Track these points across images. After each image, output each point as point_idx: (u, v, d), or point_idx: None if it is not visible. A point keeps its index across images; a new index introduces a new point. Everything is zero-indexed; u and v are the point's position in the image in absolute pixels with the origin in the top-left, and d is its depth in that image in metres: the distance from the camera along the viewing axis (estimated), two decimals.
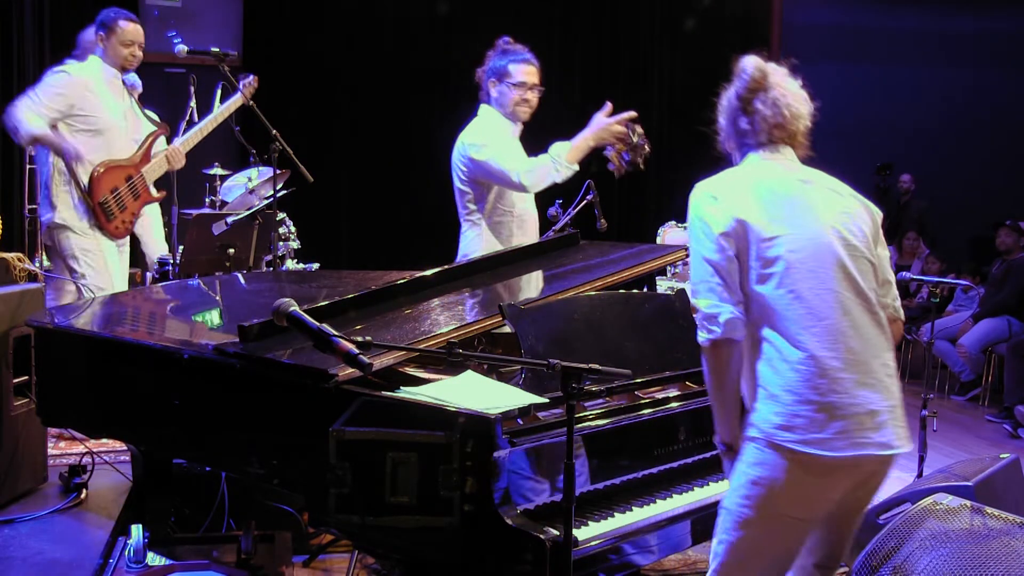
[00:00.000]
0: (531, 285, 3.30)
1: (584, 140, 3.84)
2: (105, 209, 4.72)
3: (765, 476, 2.11)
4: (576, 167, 3.88)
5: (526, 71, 3.99)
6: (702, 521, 2.48)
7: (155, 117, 5.22)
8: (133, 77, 5.28)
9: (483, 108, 4.06)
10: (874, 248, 2.26)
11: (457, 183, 4.04)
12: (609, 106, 3.87)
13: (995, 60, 11.10)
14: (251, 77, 5.18)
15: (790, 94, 2.32)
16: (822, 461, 2.06)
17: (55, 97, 4.63)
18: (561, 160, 3.84)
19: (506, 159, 3.84)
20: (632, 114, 3.86)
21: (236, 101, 5.12)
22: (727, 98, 2.35)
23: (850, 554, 2.66)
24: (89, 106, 4.72)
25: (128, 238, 4.99)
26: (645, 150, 3.84)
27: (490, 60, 4.03)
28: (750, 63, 2.32)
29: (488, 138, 3.91)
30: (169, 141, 5.09)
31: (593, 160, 4.05)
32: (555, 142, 3.92)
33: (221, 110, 5.15)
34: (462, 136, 4.00)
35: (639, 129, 3.84)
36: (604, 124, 3.83)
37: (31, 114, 4.58)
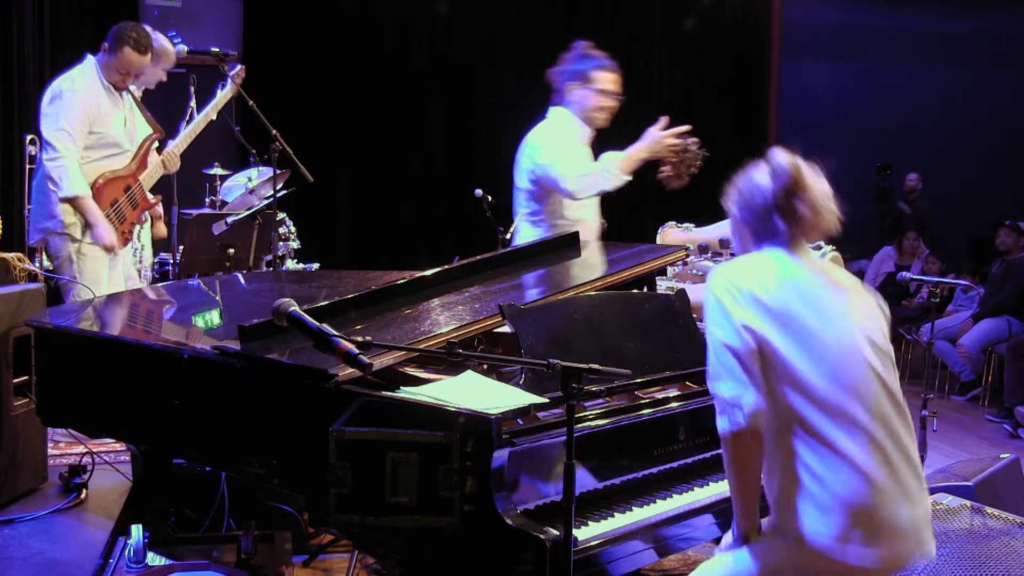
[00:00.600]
0: (531, 285, 3.30)
1: (637, 152, 3.91)
2: (108, 219, 4.63)
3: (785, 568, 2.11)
4: (628, 177, 3.92)
5: (611, 79, 4.04)
6: (702, 521, 2.48)
7: (151, 118, 5.17)
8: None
9: (554, 110, 4.09)
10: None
11: (521, 181, 4.06)
12: (664, 120, 3.93)
13: (995, 60, 11.11)
14: (239, 67, 5.11)
15: (822, 192, 2.23)
16: (861, 569, 2.04)
17: (83, 123, 4.54)
18: (612, 170, 3.87)
19: (562, 165, 3.88)
20: (686, 128, 3.92)
21: (226, 94, 5.04)
22: (758, 194, 2.22)
23: None
24: (100, 123, 4.64)
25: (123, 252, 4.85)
26: (698, 162, 3.87)
27: (568, 62, 4.03)
28: (784, 161, 2.22)
29: (554, 142, 3.95)
30: (163, 143, 5.03)
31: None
32: (608, 151, 3.97)
33: (212, 105, 5.06)
34: (531, 136, 4.03)
35: (693, 141, 3.88)
36: (657, 138, 3.89)
37: (79, 175, 4.50)
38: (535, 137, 4.01)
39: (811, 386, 2.07)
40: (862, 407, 2.07)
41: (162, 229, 5.25)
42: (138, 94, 5.07)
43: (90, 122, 4.58)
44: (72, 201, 4.53)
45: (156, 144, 5.01)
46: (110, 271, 4.74)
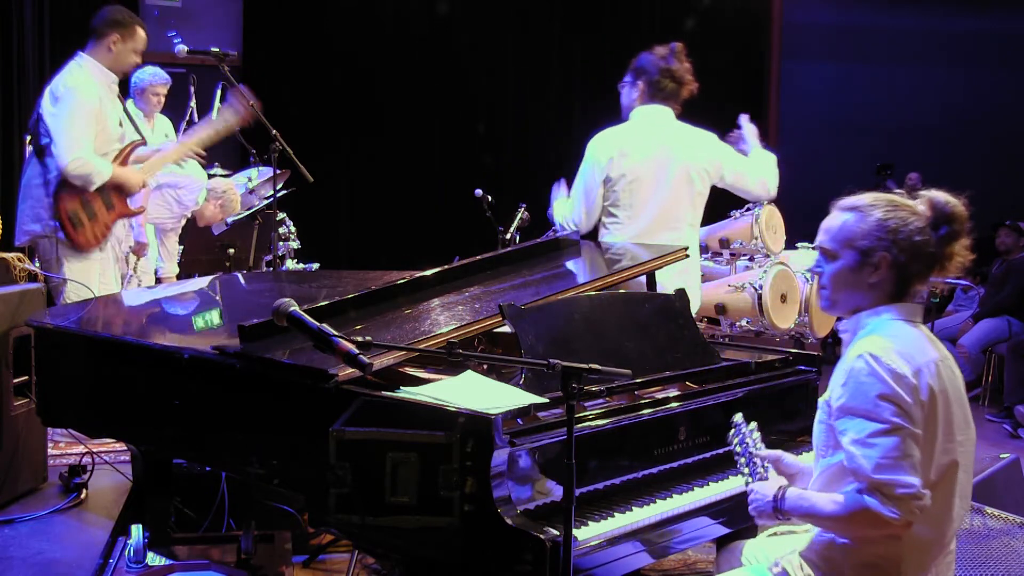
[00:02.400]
0: (531, 285, 3.30)
1: None
2: (72, 220, 4.49)
3: None
4: None
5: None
6: (702, 521, 2.48)
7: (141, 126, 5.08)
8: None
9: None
10: None
11: (702, 187, 4.01)
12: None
13: (995, 60, 11.10)
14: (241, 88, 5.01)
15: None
16: None
17: (92, 123, 4.49)
18: None
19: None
20: None
21: (230, 122, 4.89)
22: (907, 235, 2.04)
23: None
24: (101, 121, 4.56)
25: (111, 254, 4.74)
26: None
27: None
28: (941, 199, 2.09)
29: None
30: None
31: None
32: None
33: (212, 125, 4.91)
34: (708, 138, 4.04)
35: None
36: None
37: (99, 161, 4.47)
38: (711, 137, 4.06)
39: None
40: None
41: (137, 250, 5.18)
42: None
43: (95, 118, 4.51)
44: (111, 182, 4.51)
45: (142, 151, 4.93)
46: (101, 273, 4.68)
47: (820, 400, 2.17)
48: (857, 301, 2.11)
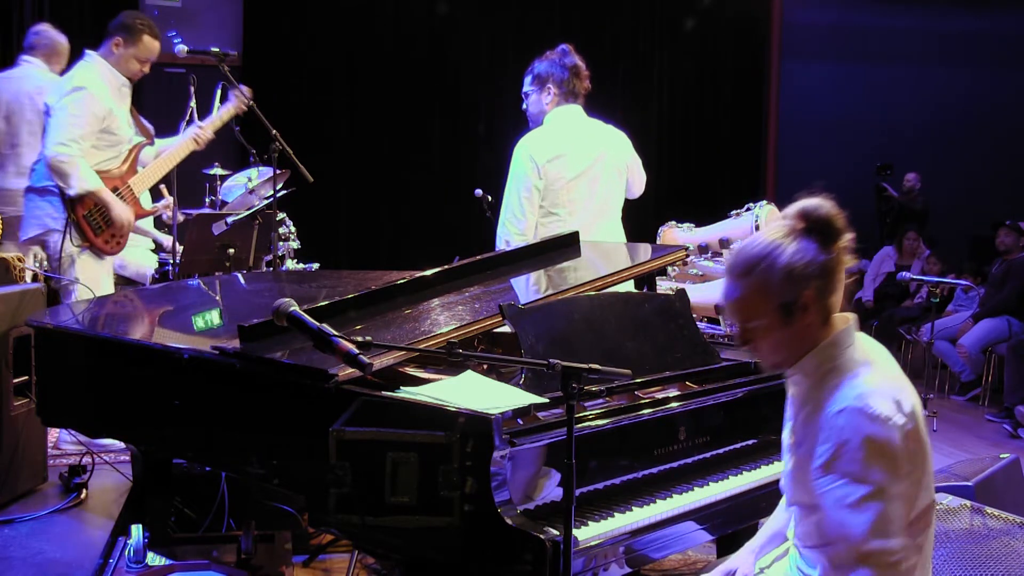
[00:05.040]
0: (531, 285, 3.30)
1: None
2: (91, 223, 4.50)
3: None
4: None
5: None
6: (702, 521, 2.48)
7: (140, 121, 5.07)
8: None
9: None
10: None
11: (621, 180, 4.22)
12: None
13: (994, 60, 11.12)
14: (244, 88, 4.99)
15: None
16: None
17: (93, 121, 4.45)
18: None
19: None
20: None
21: (228, 112, 4.96)
22: (811, 260, 1.94)
23: None
24: (109, 120, 4.54)
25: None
26: None
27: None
28: (811, 206, 1.97)
29: None
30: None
31: None
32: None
33: (209, 122, 4.95)
34: (620, 134, 4.19)
35: None
36: None
37: (88, 168, 4.40)
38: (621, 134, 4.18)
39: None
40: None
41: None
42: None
43: (101, 120, 4.49)
44: (87, 196, 4.44)
45: (151, 151, 4.93)
46: (107, 274, 4.69)
47: (785, 439, 2.09)
48: (802, 348, 1.98)
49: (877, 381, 1.92)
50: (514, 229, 4.04)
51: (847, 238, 1.96)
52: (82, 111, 4.44)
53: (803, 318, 1.94)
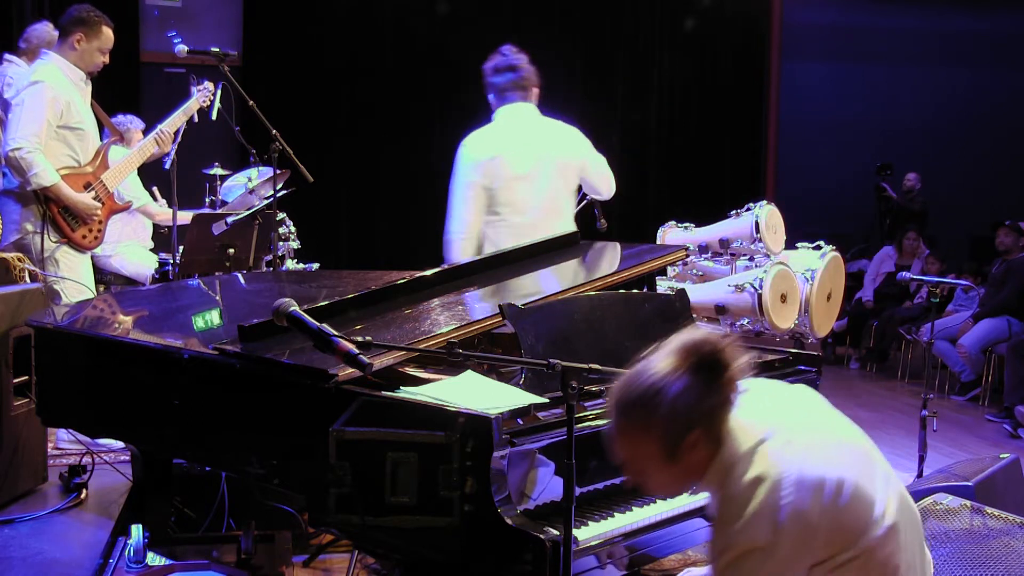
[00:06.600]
0: (531, 285, 3.30)
1: None
2: (65, 218, 4.48)
3: None
4: None
5: None
6: (703, 520, 2.48)
7: (107, 119, 5.03)
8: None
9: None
10: None
11: (573, 179, 4.13)
12: None
13: (994, 60, 11.13)
14: (206, 83, 5.09)
15: None
16: None
17: (51, 114, 4.40)
18: None
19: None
20: None
21: (189, 106, 5.02)
22: (696, 394, 1.81)
23: None
24: (75, 112, 4.52)
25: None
26: None
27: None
28: (696, 342, 1.84)
29: None
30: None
31: None
32: None
33: (172, 118, 4.99)
34: (574, 133, 4.12)
35: None
36: None
37: (46, 163, 4.36)
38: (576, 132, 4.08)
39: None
40: None
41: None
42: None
43: (59, 113, 4.46)
44: (45, 191, 4.40)
45: (120, 148, 4.94)
46: (89, 272, 4.68)
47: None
48: (695, 478, 1.87)
49: (777, 464, 1.78)
50: (453, 227, 4.04)
51: (737, 368, 1.82)
52: (38, 104, 4.42)
53: (690, 456, 1.82)
